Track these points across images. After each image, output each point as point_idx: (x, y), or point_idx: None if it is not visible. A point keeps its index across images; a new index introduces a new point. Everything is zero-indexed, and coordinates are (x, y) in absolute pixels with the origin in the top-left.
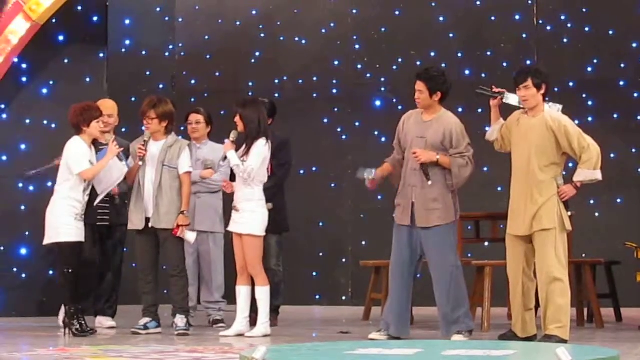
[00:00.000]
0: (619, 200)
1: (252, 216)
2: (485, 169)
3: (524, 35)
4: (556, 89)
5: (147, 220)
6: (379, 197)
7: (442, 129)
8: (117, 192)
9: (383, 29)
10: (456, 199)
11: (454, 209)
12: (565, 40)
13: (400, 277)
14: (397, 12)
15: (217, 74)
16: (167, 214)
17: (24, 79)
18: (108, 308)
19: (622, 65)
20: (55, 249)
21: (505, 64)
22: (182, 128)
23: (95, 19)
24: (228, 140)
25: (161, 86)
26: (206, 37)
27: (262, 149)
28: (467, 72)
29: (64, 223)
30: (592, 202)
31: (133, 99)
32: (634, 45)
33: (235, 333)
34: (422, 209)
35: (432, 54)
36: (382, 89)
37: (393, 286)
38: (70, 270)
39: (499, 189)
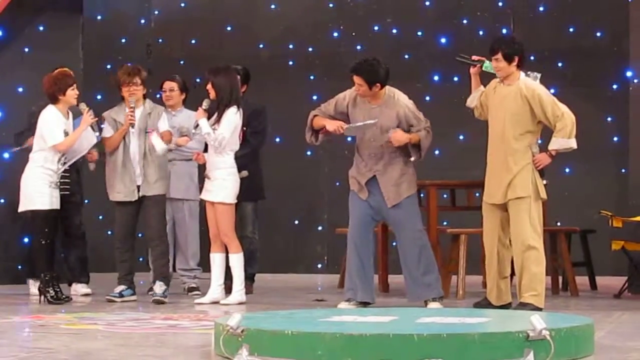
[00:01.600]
0: (594, 169)
1: (223, 184)
2: (461, 137)
3: (500, 4)
4: (532, 58)
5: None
6: None
7: (394, 113)
8: (94, 159)
9: None
10: (413, 166)
11: (415, 177)
12: (541, 8)
13: (362, 243)
14: None
15: (193, 41)
16: (156, 181)
17: None
18: (81, 275)
19: (598, 34)
20: (29, 217)
21: (481, 32)
22: (158, 96)
23: None
24: (200, 108)
25: (137, 53)
26: (182, 5)
27: (233, 117)
28: (443, 40)
29: (38, 191)
30: (567, 170)
31: (108, 67)
32: (610, 14)
33: (210, 300)
34: (390, 186)
35: (408, 22)
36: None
37: (355, 253)
38: (44, 238)
39: (475, 157)
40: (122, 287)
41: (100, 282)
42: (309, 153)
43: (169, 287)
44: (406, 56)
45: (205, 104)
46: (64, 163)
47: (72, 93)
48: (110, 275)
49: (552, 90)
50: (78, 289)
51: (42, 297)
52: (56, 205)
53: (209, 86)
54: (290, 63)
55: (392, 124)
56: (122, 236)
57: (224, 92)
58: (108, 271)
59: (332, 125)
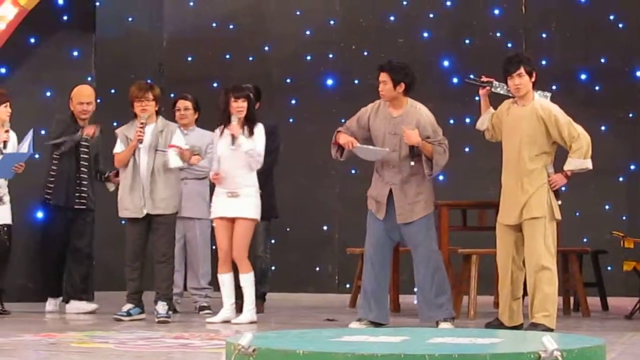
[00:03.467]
0: (606, 190)
1: (255, 201)
2: (473, 157)
3: (512, 24)
4: (545, 78)
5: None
6: (367, 184)
7: (414, 122)
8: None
9: (371, 17)
10: (432, 186)
11: (433, 197)
12: (553, 28)
13: (379, 263)
14: (385, 0)
15: (206, 60)
16: (162, 200)
17: (11, 65)
18: (82, 292)
19: (611, 55)
20: None
21: (492, 53)
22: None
23: (83, 4)
24: (234, 123)
25: (149, 72)
26: (194, 24)
27: (262, 133)
28: (454, 59)
29: None
30: (579, 191)
31: (120, 85)
32: (623, 35)
33: (222, 319)
34: (405, 204)
35: (420, 41)
36: (370, 76)
37: (372, 273)
38: None
39: (487, 177)
40: (130, 305)
41: (110, 301)
42: (320, 172)
43: (171, 307)
44: (418, 76)
45: (234, 120)
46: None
47: (4, 110)
48: (121, 293)
49: (565, 111)
50: (81, 307)
51: None
52: None
53: (241, 104)
54: (302, 83)
55: None
56: (132, 254)
57: (248, 111)
58: (118, 289)
59: (344, 139)
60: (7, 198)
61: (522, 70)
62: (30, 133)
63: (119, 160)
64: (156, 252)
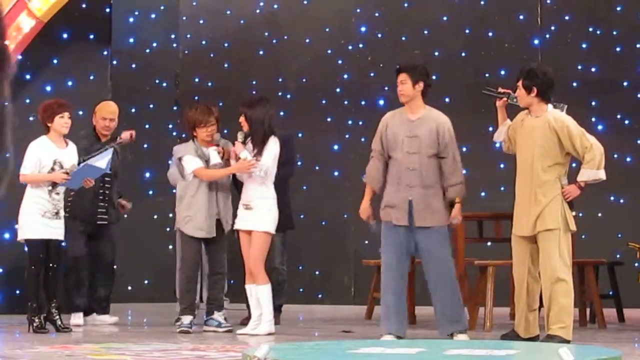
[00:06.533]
0: (622, 201)
1: (269, 214)
2: (490, 168)
3: (528, 35)
4: (560, 89)
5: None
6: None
7: (434, 125)
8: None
9: (387, 28)
10: None
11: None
12: (569, 40)
13: (399, 277)
14: (401, 11)
15: (221, 72)
16: (229, 219)
17: (28, 77)
18: (107, 306)
19: (627, 67)
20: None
21: (509, 65)
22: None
23: (99, 16)
24: (237, 141)
25: (164, 84)
26: (210, 36)
27: (274, 146)
28: (470, 71)
29: (28, 220)
30: (595, 202)
31: (135, 97)
32: (638, 45)
33: (252, 331)
34: (424, 207)
35: (436, 53)
36: (386, 87)
37: (392, 286)
38: (36, 267)
39: (503, 189)
40: (190, 317)
41: (123, 312)
42: (335, 183)
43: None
44: (434, 87)
45: (240, 136)
46: (57, 193)
47: (60, 122)
48: (129, 305)
49: (580, 122)
50: (104, 319)
51: (30, 326)
52: (50, 234)
53: (242, 119)
54: (318, 94)
55: (433, 137)
56: (196, 267)
57: (259, 124)
58: (126, 301)
59: (363, 213)
60: (62, 212)
61: (519, 83)
62: (111, 150)
63: (209, 176)
64: (216, 267)
